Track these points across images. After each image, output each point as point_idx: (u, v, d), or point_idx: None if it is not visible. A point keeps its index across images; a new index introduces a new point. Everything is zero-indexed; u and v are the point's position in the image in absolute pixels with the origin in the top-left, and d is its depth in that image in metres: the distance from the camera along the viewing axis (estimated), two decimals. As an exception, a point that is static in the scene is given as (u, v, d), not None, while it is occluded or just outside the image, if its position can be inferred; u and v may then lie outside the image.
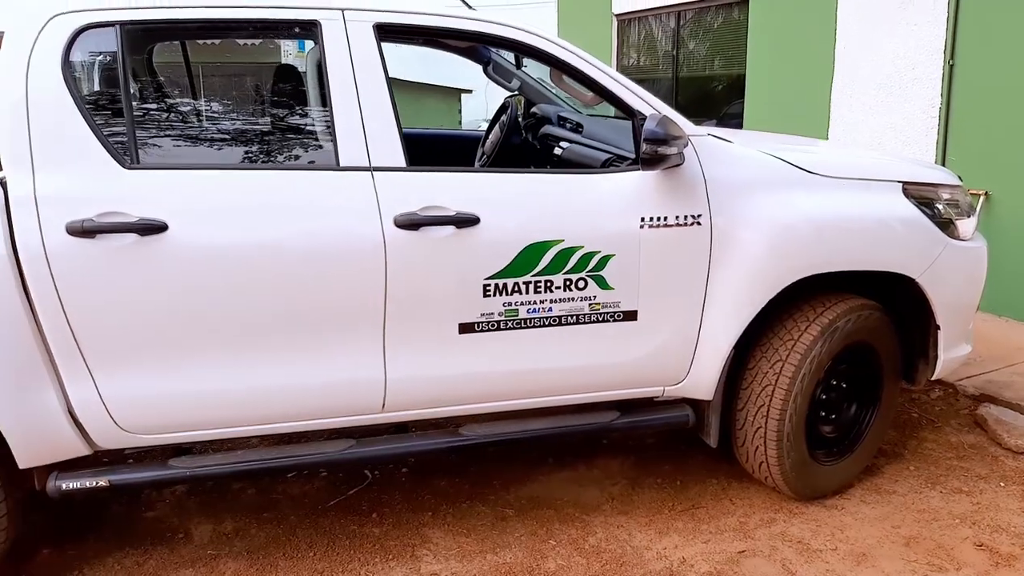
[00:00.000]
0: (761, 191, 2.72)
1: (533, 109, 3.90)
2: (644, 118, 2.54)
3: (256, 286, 2.36)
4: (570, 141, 3.32)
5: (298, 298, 2.41)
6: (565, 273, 2.57)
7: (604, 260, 2.59)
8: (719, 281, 2.69)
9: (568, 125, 3.53)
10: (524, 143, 3.71)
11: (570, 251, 2.56)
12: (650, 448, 3.45)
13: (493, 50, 3.83)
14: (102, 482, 2.43)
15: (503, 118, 3.64)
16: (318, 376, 2.48)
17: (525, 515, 2.94)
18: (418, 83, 20.17)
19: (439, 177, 2.53)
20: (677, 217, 2.62)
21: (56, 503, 2.61)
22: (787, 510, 2.95)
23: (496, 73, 3.87)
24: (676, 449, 3.42)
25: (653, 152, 2.46)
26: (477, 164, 3.74)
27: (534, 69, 3.74)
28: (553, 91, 3.90)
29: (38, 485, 2.47)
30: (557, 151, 3.33)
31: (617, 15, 8.84)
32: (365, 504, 3.03)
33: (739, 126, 7.21)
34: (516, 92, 3.90)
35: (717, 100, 8.12)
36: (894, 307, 3.03)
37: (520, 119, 3.74)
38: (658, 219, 2.61)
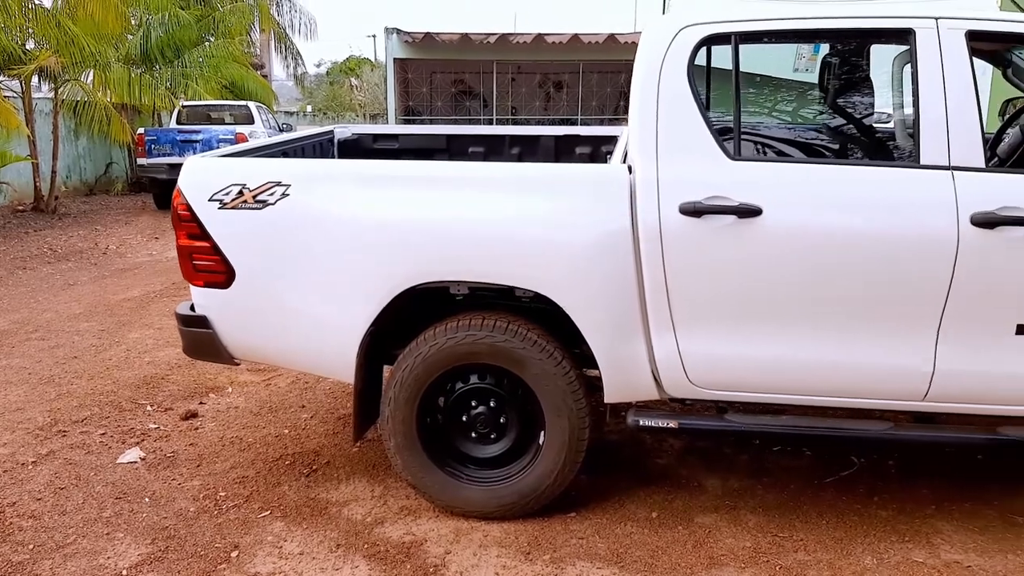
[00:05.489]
0: None
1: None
2: None
3: (828, 270, 2.60)
4: None
5: (863, 284, 2.60)
6: None
7: None
8: None
9: None
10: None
11: None
12: None
13: (1017, 54, 3.71)
14: (672, 424, 2.85)
15: (1024, 120, 3.52)
16: (869, 358, 2.66)
17: (1041, 526, 2.90)
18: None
19: (1018, 179, 2.58)
20: None
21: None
22: None
23: (1015, 76, 3.76)
24: None
25: None
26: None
27: None
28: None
29: (607, 420, 2.97)
30: None
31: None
32: (861, 488, 3.19)
33: None
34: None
35: None
36: None
37: None
38: None
